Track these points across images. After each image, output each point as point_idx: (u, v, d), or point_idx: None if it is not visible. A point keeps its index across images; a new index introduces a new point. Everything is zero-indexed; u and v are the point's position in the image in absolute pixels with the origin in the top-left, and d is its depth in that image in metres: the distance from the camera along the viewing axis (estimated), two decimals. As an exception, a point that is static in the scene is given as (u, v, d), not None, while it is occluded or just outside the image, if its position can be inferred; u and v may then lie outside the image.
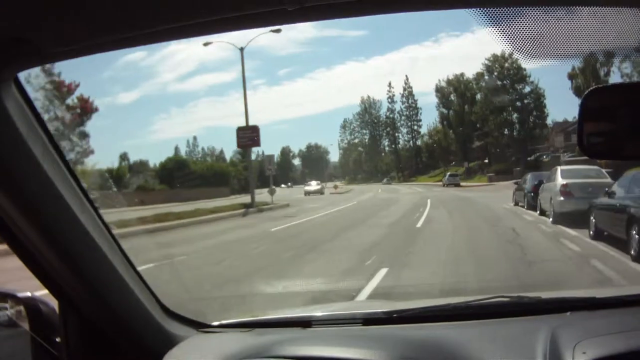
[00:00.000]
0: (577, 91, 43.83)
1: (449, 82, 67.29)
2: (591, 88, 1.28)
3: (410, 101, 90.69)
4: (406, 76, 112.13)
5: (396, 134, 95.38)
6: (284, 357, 1.64)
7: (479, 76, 60.70)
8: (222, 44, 41.19)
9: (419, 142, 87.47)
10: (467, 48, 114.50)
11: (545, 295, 2.21)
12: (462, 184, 49.68)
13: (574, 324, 1.81)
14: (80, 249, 1.56)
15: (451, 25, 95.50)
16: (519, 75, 55.29)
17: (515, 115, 57.27)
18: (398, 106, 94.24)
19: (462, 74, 65.71)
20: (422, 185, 57.88)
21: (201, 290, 8.46)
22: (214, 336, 2.01)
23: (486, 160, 58.22)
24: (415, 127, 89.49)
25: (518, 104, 56.51)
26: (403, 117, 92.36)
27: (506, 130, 57.87)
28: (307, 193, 45.21)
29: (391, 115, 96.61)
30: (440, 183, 53.19)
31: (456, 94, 66.15)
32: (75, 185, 1.54)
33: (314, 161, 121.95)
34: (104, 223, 1.64)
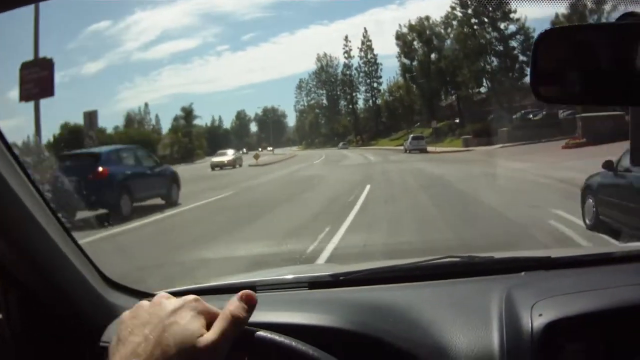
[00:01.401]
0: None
1: (411, 27, 56.66)
2: (544, 30, 1.19)
3: (369, 56, 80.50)
4: (365, 29, 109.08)
5: (354, 93, 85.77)
6: None
7: (449, 17, 49.77)
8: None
9: (379, 102, 77.80)
10: (433, 10, 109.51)
11: (497, 255, 2.12)
12: (429, 148, 39.70)
13: (529, 284, 1.74)
14: (14, 220, 1.51)
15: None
16: (500, 11, 44.71)
17: (495, 62, 46.65)
18: (356, 62, 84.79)
19: (427, 17, 55.10)
20: (379, 151, 48.29)
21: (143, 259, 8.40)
22: None
23: (457, 120, 47.63)
24: (375, 85, 78.69)
25: (500, 47, 45.79)
26: (361, 74, 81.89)
27: (484, 81, 47.28)
28: (214, 166, 34.44)
29: (348, 72, 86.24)
30: (402, 148, 43.43)
31: (420, 40, 55.54)
32: (11, 158, 1.49)
33: (270, 125, 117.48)
34: (39, 193, 1.59)
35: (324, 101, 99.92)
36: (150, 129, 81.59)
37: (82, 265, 1.75)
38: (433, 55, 53.97)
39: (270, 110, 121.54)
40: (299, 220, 11.79)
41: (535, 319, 1.45)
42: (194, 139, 57.11)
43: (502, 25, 45.45)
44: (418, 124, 59.38)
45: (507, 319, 1.51)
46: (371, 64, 78.11)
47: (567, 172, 14.91)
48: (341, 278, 1.95)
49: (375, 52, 78.69)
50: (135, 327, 0.96)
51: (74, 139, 36.56)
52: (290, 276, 2.09)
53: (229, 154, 35.44)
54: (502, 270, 1.91)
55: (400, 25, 62.52)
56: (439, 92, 53.43)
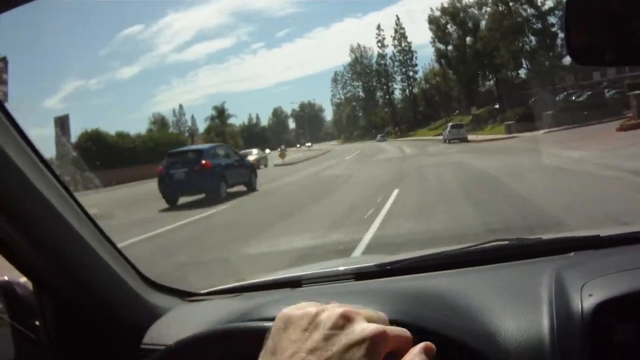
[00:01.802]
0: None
1: (444, 10, 54.31)
2: None
3: (403, 44, 79.67)
4: (397, 16, 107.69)
5: (389, 83, 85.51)
6: (273, 318, 1.26)
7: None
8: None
9: (415, 91, 76.25)
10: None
11: (546, 236, 2.00)
12: (469, 137, 37.22)
13: (579, 264, 1.67)
14: (46, 226, 1.55)
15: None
16: None
17: (534, 41, 43.81)
18: (390, 51, 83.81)
19: (459, -1, 52.48)
20: (417, 142, 45.65)
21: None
22: (200, 304, 1.96)
23: (497, 106, 44.99)
24: (411, 74, 77.47)
25: (538, 25, 43.04)
26: (396, 63, 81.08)
27: (524, 62, 44.60)
28: None
29: (382, 62, 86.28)
30: (441, 138, 40.93)
31: (454, 23, 53.18)
32: (41, 165, 1.53)
33: (308, 121, 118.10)
34: (74, 199, 1.63)
35: (360, 93, 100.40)
36: (185, 130, 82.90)
37: (120, 267, 1.78)
38: (468, 39, 51.68)
39: (307, 105, 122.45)
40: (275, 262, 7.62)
41: (585, 299, 1.41)
42: (227, 137, 55.49)
43: (539, 1, 42.64)
44: (457, 111, 57.33)
45: (557, 301, 1.47)
46: (405, 52, 77.49)
47: (637, 162, 12.10)
48: (387, 267, 1.91)
49: (409, 40, 77.51)
50: (297, 351, 0.79)
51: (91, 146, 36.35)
52: (335, 269, 2.01)
53: (253, 154, 33.78)
54: (551, 252, 1.83)
55: (432, 9, 60.16)
56: (476, 77, 51.01)
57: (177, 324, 1.78)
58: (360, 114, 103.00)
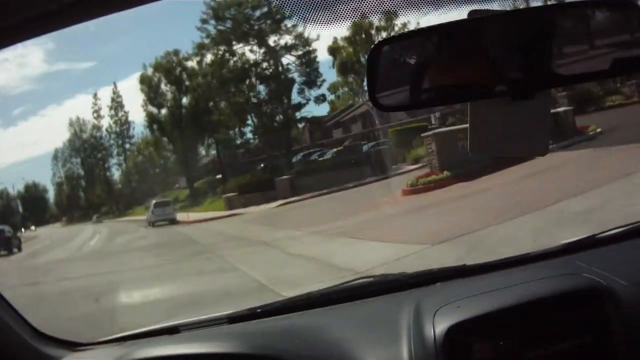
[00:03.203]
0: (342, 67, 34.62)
1: (157, 66, 44.39)
2: (377, 41, 1.24)
3: (120, 114, 69.52)
4: (114, 83, 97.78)
5: (106, 158, 73.66)
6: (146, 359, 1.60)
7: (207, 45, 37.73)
8: None
9: (130, 164, 66.74)
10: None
11: (411, 271, 2.15)
12: (181, 216, 27.76)
13: (439, 293, 1.84)
14: None
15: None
16: (271, 20, 33.76)
17: (262, 88, 35.16)
18: (107, 122, 72.35)
19: (175, 51, 42.99)
20: (121, 226, 36.67)
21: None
22: (87, 354, 2.03)
23: (219, 176, 35.83)
24: (128, 146, 67.11)
25: (270, 68, 34.34)
26: (112, 135, 70.93)
27: (250, 117, 35.54)
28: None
29: (98, 134, 74.73)
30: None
31: (169, 80, 43.34)
32: None
33: (35, 201, 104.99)
34: None
35: (80, 170, 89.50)
36: None
37: (11, 319, 1.83)
38: (185, 98, 42.21)
39: (32, 186, 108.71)
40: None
41: (438, 325, 1.51)
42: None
43: (272, 40, 34.51)
44: (177, 185, 48.99)
45: (414, 329, 1.56)
46: (122, 123, 66.88)
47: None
48: (258, 310, 2.05)
49: (126, 109, 68.29)
50: None
51: None
52: (210, 315, 2.11)
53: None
54: (417, 284, 1.98)
55: (145, 65, 50.24)
56: (195, 142, 41.43)
57: None
58: (81, 193, 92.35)
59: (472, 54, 1.12)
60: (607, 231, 2.21)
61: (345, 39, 33.05)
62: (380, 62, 1.17)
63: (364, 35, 32.03)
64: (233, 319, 2.00)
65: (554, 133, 18.98)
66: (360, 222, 12.05)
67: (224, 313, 2.05)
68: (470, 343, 1.46)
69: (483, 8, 1.19)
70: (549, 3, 1.30)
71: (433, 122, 25.61)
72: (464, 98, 1.17)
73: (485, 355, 1.46)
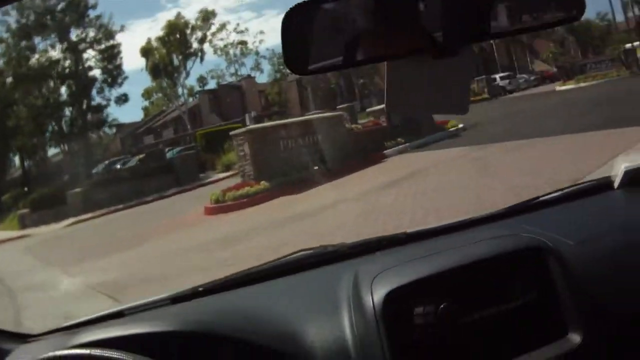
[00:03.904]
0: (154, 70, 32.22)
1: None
2: (291, 7, 1.22)
3: None
4: None
5: None
6: (94, 342, 1.65)
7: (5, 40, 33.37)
8: None
9: None
10: None
11: (350, 242, 2.12)
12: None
13: (377, 261, 1.82)
14: None
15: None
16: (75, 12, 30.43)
17: (64, 89, 31.67)
18: None
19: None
20: None
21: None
22: (37, 344, 1.98)
23: (26, 189, 31.85)
24: None
25: (70, 67, 30.78)
26: None
27: (50, 123, 31.77)
28: None
29: None
30: None
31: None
32: None
33: None
34: None
35: None
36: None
37: None
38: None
39: None
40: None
41: (376, 291, 1.50)
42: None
43: (74, 34, 31.27)
44: None
45: (354, 298, 1.56)
46: None
47: None
48: (200, 289, 1.99)
49: None
50: None
51: None
52: (155, 297, 2.08)
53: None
54: (355, 255, 1.96)
55: None
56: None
57: None
58: None
59: (392, 10, 1.11)
60: (552, 192, 2.22)
61: (159, 39, 30.98)
62: (295, 24, 1.14)
63: (178, 35, 30.06)
64: (176, 299, 1.96)
65: (406, 130, 17.61)
66: (126, 263, 9.49)
67: (168, 295, 1.99)
68: (411, 307, 1.46)
69: None
70: None
71: (248, 124, 23.82)
72: (382, 57, 1.13)
73: (427, 319, 1.46)
